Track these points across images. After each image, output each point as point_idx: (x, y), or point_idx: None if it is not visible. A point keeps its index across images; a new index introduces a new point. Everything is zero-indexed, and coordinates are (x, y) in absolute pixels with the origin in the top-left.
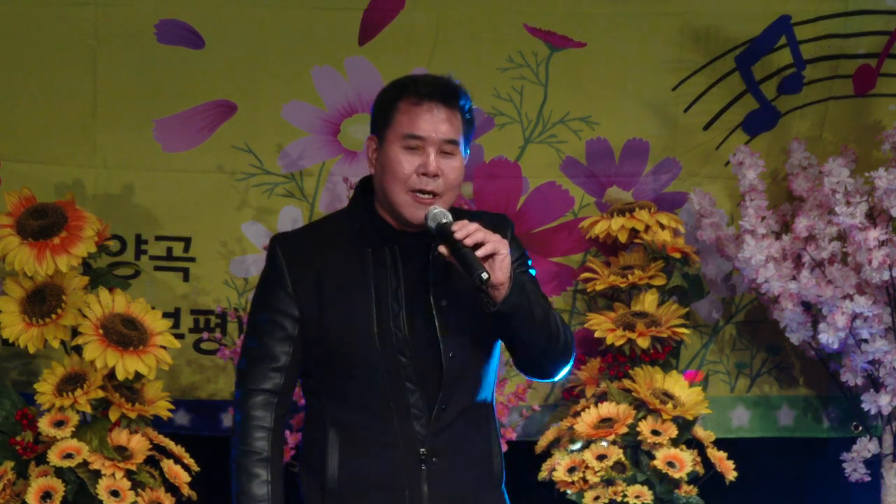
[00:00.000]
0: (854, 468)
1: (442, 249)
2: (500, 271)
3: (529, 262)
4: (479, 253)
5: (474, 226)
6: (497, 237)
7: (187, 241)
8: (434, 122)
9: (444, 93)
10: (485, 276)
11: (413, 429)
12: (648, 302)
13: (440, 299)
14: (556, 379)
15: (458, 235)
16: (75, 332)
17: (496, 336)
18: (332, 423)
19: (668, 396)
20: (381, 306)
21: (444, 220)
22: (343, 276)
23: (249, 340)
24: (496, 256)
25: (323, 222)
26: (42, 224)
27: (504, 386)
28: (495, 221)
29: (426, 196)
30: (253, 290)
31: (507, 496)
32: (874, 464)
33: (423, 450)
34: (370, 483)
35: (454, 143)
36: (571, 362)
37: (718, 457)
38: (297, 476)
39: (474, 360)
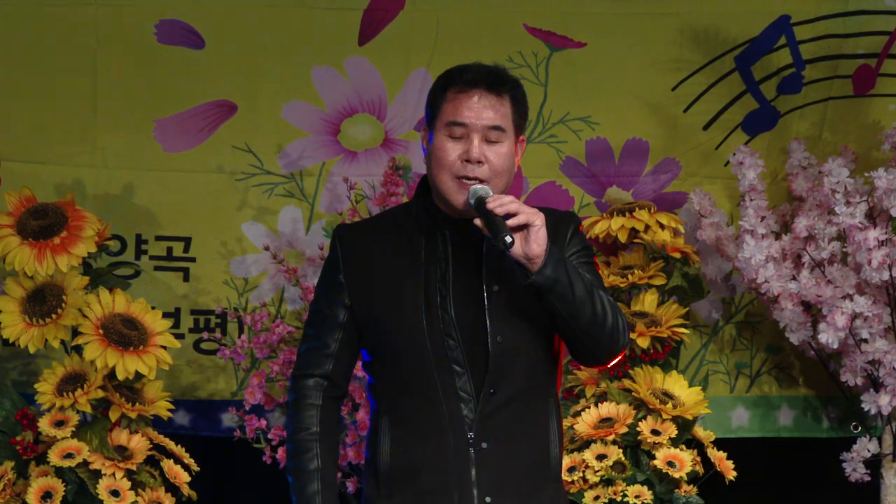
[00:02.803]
0: (854, 468)
1: (477, 222)
2: (534, 243)
3: (593, 257)
4: (512, 222)
5: (509, 198)
6: (533, 210)
7: (187, 241)
8: (478, 109)
9: (490, 80)
10: (508, 239)
11: (461, 412)
12: (648, 302)
13: (493, 284)
14: (608, 365)
15: (490, 205)
16: (75, 332)
17: (552, 325)
18: (385, 411)
19: (667, 396)
20: (430, 290)
21: (483, 195)
22: (396, 262)
23: (307, 328)
24: (531, 228)
25: (385, 213)
26: (42, 224)
27: None
28: (558, 216)
29: (472, 182)
30: (253, 290)
31: (564, 488)
32: (874, 464)
33: (470, 434)
34: (420, 467)
35: (499, 129)
36: (621, 348)
37: (718, 457)
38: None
39: (525, 347)
